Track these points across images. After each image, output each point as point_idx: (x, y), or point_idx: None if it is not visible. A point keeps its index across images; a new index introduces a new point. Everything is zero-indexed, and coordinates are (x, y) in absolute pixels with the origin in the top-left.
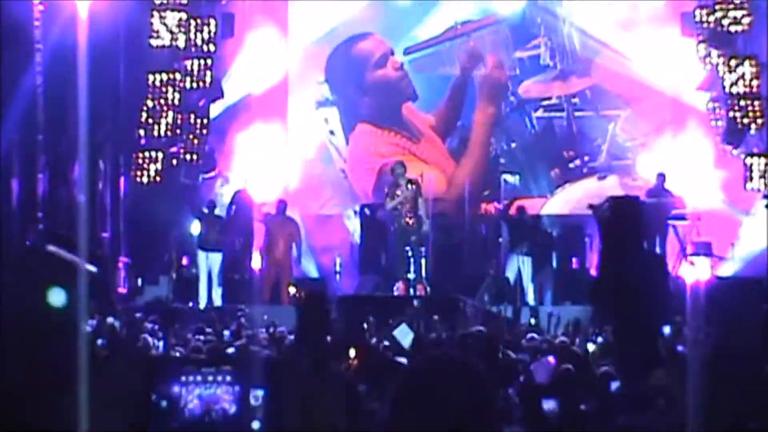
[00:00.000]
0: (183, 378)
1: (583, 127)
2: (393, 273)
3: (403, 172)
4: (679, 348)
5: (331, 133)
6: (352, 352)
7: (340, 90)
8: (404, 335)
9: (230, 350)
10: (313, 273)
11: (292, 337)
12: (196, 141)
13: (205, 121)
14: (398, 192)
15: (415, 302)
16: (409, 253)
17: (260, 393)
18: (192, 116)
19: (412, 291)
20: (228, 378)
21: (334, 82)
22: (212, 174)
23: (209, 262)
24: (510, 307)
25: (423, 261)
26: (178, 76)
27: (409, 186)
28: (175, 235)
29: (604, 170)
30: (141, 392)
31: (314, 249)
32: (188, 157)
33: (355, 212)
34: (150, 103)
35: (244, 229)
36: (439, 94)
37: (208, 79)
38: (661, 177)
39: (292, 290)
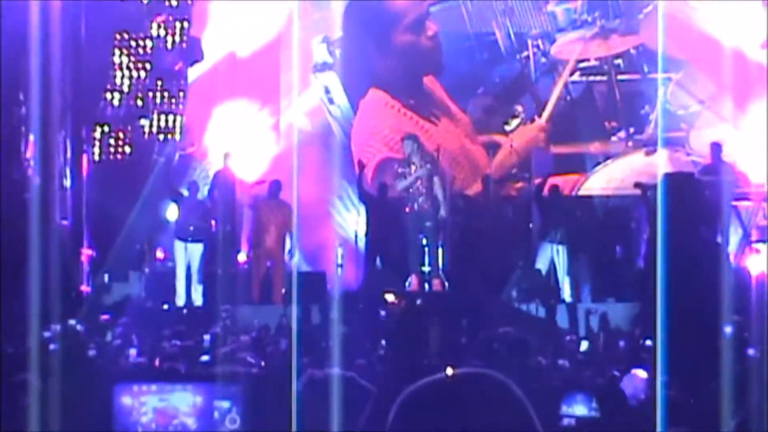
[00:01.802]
0: (135, 388)
1: (628, 93)
2: (405, 266)
3: (416, 148)
4: (745, 351)
5: (331, 101)
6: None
7: (354, 47)
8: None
9: (205, 357)
10: (308, 266)
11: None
12: (171, 111)
13: (181, 87)
14: (411, 170)
15: (418, 301)
16: (424, 242)
17: (226, 406)
18: (167, 82)
19: (427, 286)
20: (189, 388)
21: (348, 37)
22: (191, 150)
23: (188, 254)
24: (542, 304)
25: (440, 251)
26: (149, 35)
27: (423, 163)
28: (148, 223)
29: (652, 144)
30: (91, 403)
31: (310, 237)
32: (162, 130)
33: (360, 195)
34: (117, 68)
35: (229, 216)
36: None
37: (184, 39)
38: (717, 148)
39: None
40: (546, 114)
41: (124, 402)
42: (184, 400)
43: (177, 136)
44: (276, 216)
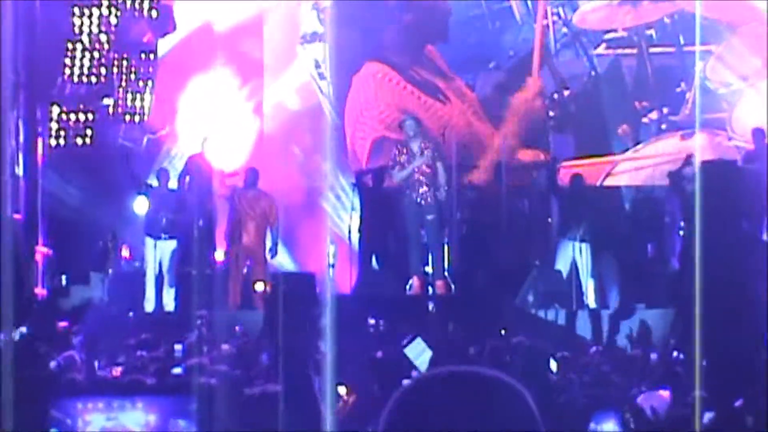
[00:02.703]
0: (80, 405)
1: (662, 68)
2: (405, 266)
3: (417, 131)
4: None
5: (322, 76)
6: (342, 390)
7: (348, 14)
8: (419, 353)
9: (177, 370)
10: (293, 266)
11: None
12: (138, 90)
13: (150, 62)
14: (411, 157)
15: (431, 305)
16: (426, 239)
17: (183, 424)
18: (134, 56)
19: (430, 289)
20: (140, 405)
21: (341, 3)
22: (161, 133)
23: (158, 252)
24: (562, 310)
25: (445, 249)
26: (113, 3)
27: (426, 148)
28: (112, 218)
29: (689, 126)
30: (33, 421)
31: (297, 233)
32: (128, 110)
33: (353, 183)
34: (76, 40)
35: (204, 208)
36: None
37: (154, 7)
38: (760, 134)
39: (259, 287)
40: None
41: (65, 422)
42: (135, 420)
43: (145, 118)
44: (254, 209)
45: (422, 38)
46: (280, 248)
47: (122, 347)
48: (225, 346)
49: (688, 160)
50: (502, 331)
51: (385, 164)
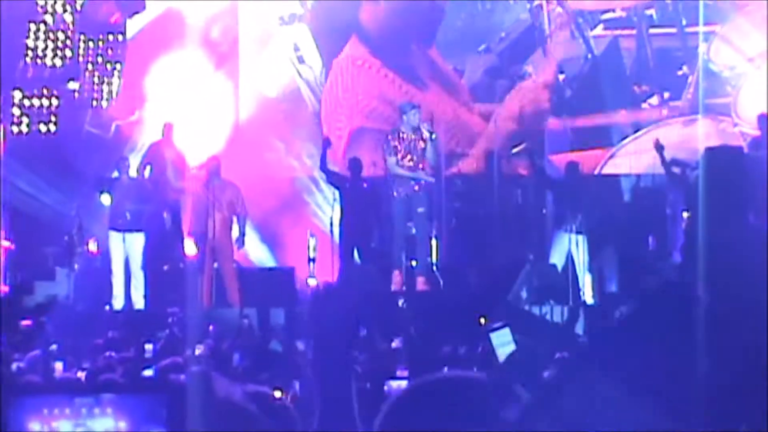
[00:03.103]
0: (46, 411)
1: (662, 50)
2: (390, 260)
3: (418, 118)
4: None
5: (301, 60)
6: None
7: None
8: (503, 343)
9: (148, 372)
10: (269, 260)
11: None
12: (105, 73)
13: (119, 44)
14: (412, 146)
15: (401, 301)
16: (413, 231)
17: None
18: (100, 38)
19: (418, 284)
20: (109, 410)
21: None
22: (130, 120)
23: (126, 247)
24: (558, 306)
25: (433, 242)
26: None
27: (422, 138)
28: (78, 210)
29: (692, 111)
30: None
31: (275, 226)
32: (95, 96)
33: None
34: (40, 21)
35: (169, 199)
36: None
37: None
38: (766, 120)
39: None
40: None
41: (30, 428)
42: (105, 426)
43: (113, 104)
44: (220, 200)
45: (408, 24)
46: (257, 243)
47: (90, 347)
48: (199, 347)
49: (658, 145)
50: (482, 320)
51: (365, 154)
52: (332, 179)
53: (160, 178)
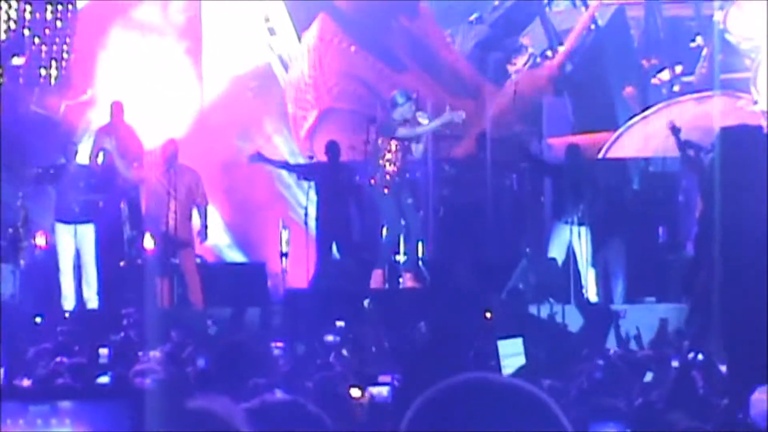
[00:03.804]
0: None
1: (674, 19)
2: (372, 255)
3: (413, 111)
4: None
5: (272, 32)
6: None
7: None
8: (511, 354)
9: (104, 379)
10: (237, 256)
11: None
12: (54, 48)
13: (68, 14)
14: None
15: (366, 301)
16: (400, 222)
17: None
18: (47, 8)
19: (402, 282)
20: (68, 421)
21: None
22: (82, 99)
23: (77, 240)
24: (558, 305)
25: (419, 235)
26: None
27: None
28: (24, 199)
29: (706, 87)
30: None
31: (244, 217)
32: (42, 72)
33: (310, 158)
34: None
35: (131, 190)
36: None
37: None
38: None
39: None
40: (564, 49)
41: None
42: None
43: (61, 81)
44: (177, 188)
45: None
46: (224, 235)
47: (37, 352)
48: (155, 352)
49: (674, 128)
50: (488, 314)
51: (339, 137)
52: (303, 173)
53: (112, 166)
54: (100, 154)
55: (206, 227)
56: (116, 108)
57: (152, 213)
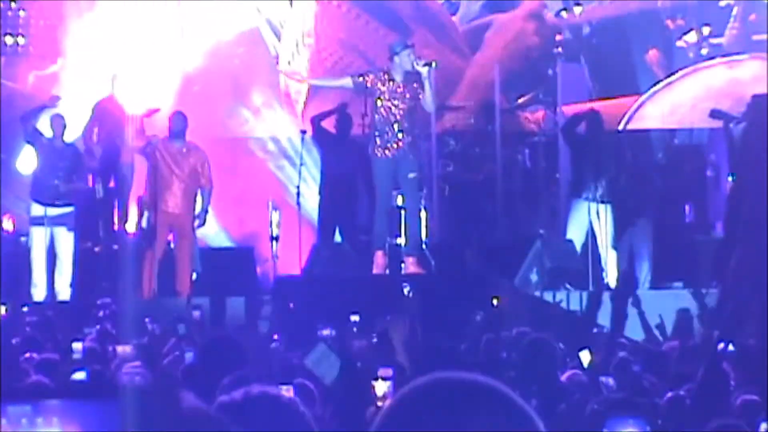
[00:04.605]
0: None
1: None
2: (369, 237)
3: (411, 60)
4: None
5: None
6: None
7: None
8: (323, 364)
9: (80, 375)
10: (222, 240)
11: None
12: (21, 14)
13: None
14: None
15: (406, 287)
16: (399, 202)
17: None
18: None
19: (404, 267)
20: (56, 420)
21: None
22: (53, 69)
23: (50, 224)
24: (576, 292)
25: (423, 214)
26: None
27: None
28: None
29: (737, 50)
30: None
31: (229, 196)
32: (8, 40)
33: (303, 131)
34: None
35: (112, 166)
36: None
37: None
38: None
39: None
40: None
41: None
42: None
43: (31, 49)
44: (182, 166)
45: None
46: (208, 217)
47: (4, 347)
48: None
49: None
50: (494, 301)
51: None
52: (318, 135)
53: (105, 143)
54: (95, 130)
55: (206, 212)
56: (115, 81)
57: (150, 193)
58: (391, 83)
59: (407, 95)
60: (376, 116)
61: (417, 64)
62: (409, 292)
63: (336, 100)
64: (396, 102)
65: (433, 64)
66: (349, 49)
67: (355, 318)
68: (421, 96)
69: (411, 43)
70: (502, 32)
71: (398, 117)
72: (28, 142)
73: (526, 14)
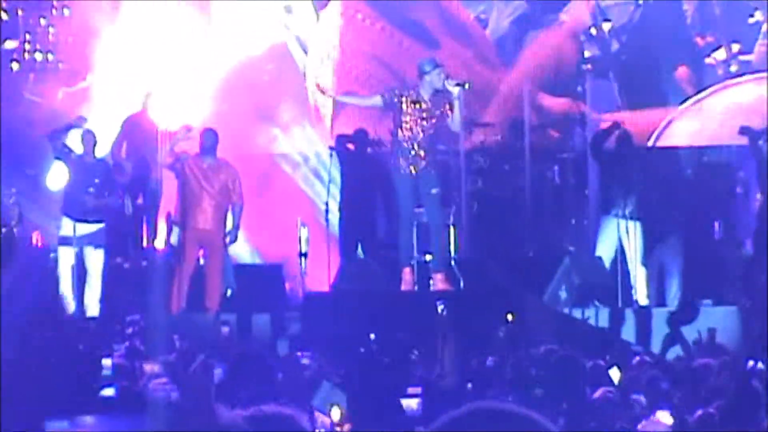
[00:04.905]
0: None
1: None
2: (397, 254)
3: (442, 79)
4: None
5: (289, 11)
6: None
7: None
8: (329, 401)
9: (109, 392)
10: (251, 257)
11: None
12: (51, 30)
13: None
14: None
15: (440, 305)
16: (425, 219)
17: None
18: None
19: (432, 284)
20: None
21: None
22: (81, 85)
23: (81, 239)
24: (605, 309)
25: (451, 231)
26: None
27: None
28: (18, 196)
29: (766, 67)
30: None
31: (258, 213)
32: (38, 56)
33: (332, 148)
34: None
35: (144, 181)
36: None
37: None
38: None
39: None
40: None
41: None
42: None
43: (60, 66)
44: (212, 183)
45: None
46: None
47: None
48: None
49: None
50: (509, 317)
51: (367, 126)
52: (343, 154)
53: (139, 158)
54: (124, 145)
55: (237, 228)
56: (148, 97)
57: (183, 208)
58: (418, 103)
59: (435, 113)
60: (401, 133)
61: (448, 84)
62: (443, 310)
63: (363, 115)
64: (423, 120)
65: (466, 86)
66: (374, 62)
67: (372, 336)
68: (449, 116)
69: (441, 62)
70: (537, 49)
71: (423, 134)
72: (58, 158)
73: (566, 33)
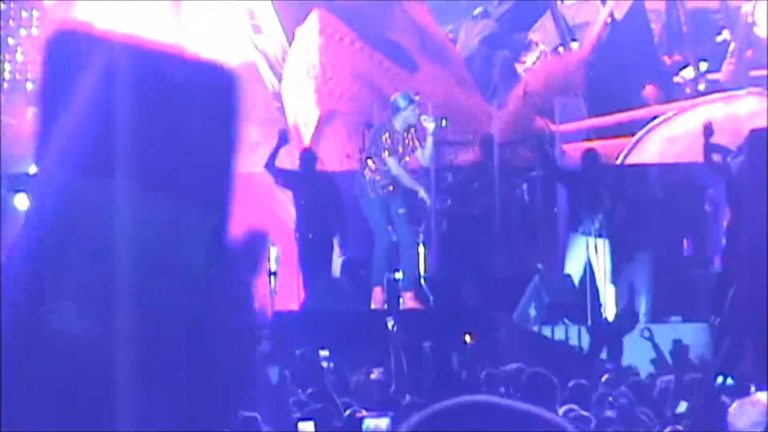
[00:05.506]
0: None
1: (697, 12)
2: (368, 273)
3: (416, 115)
4: None
5: (257, 30)
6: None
7: None
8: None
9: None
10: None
11: None
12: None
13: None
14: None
15: (389, 321)
16: (394, 237)
17: None
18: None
19: (401, 302)
20: None
21: None
22: None
23: None
24: (574, 327)
25: (420, 249)
26: None
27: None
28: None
29: (734, 86)
30: None
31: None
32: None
33: (301, 166)
34: None
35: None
36: None
37: None
38: None
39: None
40: (586, 43)
41: None
42: None
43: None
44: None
45: None
46: None
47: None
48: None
49: (708, 130)
50: (467, 338)
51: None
52: (282, 180)
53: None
54: None
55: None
56: None
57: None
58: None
59: (407, 145)
60: (372, 164)
61: (424, 119)
62: (393, 326)
63: (341, 135)
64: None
65: (443, 123)
66: (358, 82)
67: (324, 353)
68: (419, 149)
69: (416, 97)
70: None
71: (391, 165)
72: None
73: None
